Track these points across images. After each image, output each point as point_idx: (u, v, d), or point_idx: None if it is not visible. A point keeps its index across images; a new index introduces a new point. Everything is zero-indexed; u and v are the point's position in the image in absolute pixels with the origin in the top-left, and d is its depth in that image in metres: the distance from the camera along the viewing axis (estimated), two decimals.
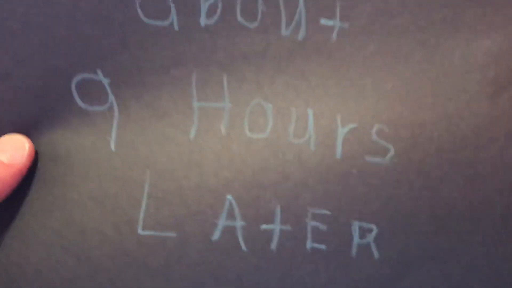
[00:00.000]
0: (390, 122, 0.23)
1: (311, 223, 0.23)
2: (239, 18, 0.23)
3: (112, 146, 0.23)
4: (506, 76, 0.23)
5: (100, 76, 0.23)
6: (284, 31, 0.23)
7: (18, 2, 0.22)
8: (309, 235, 0.23)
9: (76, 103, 0.23)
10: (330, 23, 0.23)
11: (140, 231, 0.23)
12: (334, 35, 0.23)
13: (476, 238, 0.23)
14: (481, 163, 0.23)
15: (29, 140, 0.23)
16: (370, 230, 0.23)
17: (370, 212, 0.23)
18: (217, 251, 0.23)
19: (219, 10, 0.23)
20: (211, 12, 0.23)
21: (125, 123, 0.23)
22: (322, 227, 0.23)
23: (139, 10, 0.22)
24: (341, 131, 0.23)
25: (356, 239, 0.23)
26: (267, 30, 0.23)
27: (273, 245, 0.23)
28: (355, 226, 0.23)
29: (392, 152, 0.23)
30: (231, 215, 0.23)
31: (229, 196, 0.23)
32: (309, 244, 0.23)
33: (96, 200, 0.23)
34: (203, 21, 0.23)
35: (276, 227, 0.23)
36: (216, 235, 0.23)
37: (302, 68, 0.23)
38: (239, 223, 0.23)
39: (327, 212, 0.23)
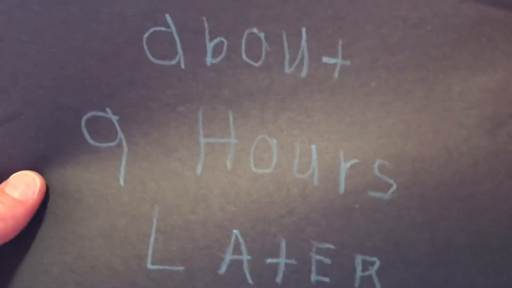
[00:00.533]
0: (392, 157, 0.23)
1: (316, 257, 0.23)
2: (244, 57, 0.23)
3: (121, 182, 0.24)
4: (504, 112, 0.23)
5: (109, 113, 0.23)
6: (288, 69, 0.23)
7: (29, 44, 0.23)
8: (313, 268, 0.23)
9: (86, 140, 0.24)
10: (332, 61, 0.23)
11: (149, 266, 0.23)
12: (336, 72, 0.23)
13: (475, 269, 0.23)
14: (480, 197, 0.23)
15: (40, 176, 0.23)
16: (372, 263, 0.23)
17: (372, 246, 0.23)
18: (224, 285, 0.23)
19: (224, 50, 0.23)
20: (217, 51, 0.23)
21: (133, 159, 0.24)
22: (326, 260, 0.23)
23: (146, 51, 0.23)
24: (344, 167, 0.23)
25: (359, 272, 0.23)
26: (271, 68, 0.23)
27: (279, 279, 0.23)
28: (358, 259, 0.23)
29: (394, 187, 0.23)
30: (237, 250, 0.23)
31: (235, 231, 0.23)
32: (313, 277, 0.23)
33: (105, 235, 0.23)
34: (209, 60, 0.23)
35: (281, 261, 0.23)
36: (222, 269, 0.23)
37: (305, 105, 0.24)
38: (245, 257, 0.23)
39: (331, 246, 0.23)
